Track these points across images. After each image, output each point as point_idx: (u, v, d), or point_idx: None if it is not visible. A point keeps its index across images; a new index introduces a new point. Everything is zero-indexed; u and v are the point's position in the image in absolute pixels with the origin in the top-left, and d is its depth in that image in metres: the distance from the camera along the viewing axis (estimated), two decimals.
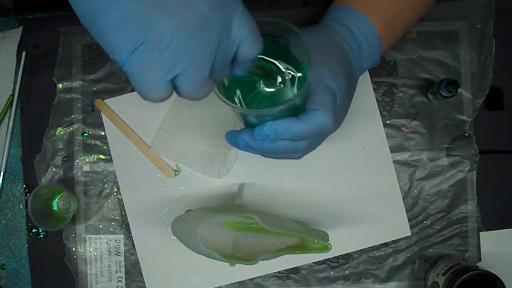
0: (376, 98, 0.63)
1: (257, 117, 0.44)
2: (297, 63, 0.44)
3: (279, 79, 0.45)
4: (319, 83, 0.45)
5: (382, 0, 0.51)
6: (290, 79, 0.45)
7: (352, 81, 0.50)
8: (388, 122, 0.63)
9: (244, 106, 0.44)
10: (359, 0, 0.51)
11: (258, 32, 0.36)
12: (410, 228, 0.62)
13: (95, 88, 0.64)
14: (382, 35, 0.51)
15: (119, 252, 0.63)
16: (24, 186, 0.64)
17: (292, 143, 0.45)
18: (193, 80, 0.33)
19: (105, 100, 0.63)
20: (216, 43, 0.33)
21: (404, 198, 0.62)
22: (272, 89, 0.45)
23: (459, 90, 0.62)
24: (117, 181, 0.63)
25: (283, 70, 0.44)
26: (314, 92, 0.44)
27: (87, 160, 0.64)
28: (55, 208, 0.64)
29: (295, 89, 0.44)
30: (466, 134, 0.63)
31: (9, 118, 0.64)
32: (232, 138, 0.48)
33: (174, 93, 0.34)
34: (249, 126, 0.47)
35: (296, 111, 0.44)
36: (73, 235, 0.63)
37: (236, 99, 0.44)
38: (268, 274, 0.62)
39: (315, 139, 0.48)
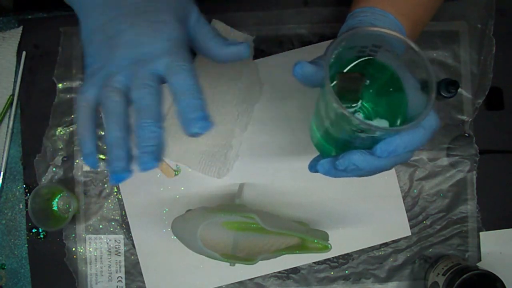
0: None
1: (380, 135, 0.39)
2: (383, 71, 0.42)
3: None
4: (411, 83, 0.41)
5: (411, 4, 0.50)
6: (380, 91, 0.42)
7: None
8: None
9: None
10: (389, 2, 0.50)
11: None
12: (410, 228, 0.62)
13: None
14: (408, 36, 0.51)
15: (119, 252, 0.63)
16: (24, 186, 0.64)
17: (407, 154, 0.41)
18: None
19: None
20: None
21: (404, 198, 0.62)
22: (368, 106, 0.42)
23: (459, 90, 0.62)
24: None
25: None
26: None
27: None
28: (55, 208, 0.64)
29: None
30: (466, 134, 0.63)
31: (9, 118, 0.64)
32: (329, 167, 0.42)
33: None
34: (347, 148, 0.41)
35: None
36: (73, 235, 0.63)
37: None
38: (268, 274, 0.62)
39: None
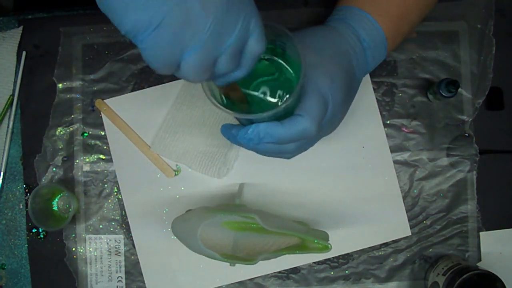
0: (376, 98, 0.63)
1: (245, 119, 0.44)
2: (295, 67, 0.44)
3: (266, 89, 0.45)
4: (312, 88, 0.44)
5: (390, 1, 0.51)
6: (285, 82, 0.44)
7: (351, 87, 0.49)
8: (388, 122, 0.63)
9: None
10: (366, 0, 0.51)
11: (264, 30, 0.36)
12: (410, 228, 0.62)
13: (95, 88, 0.64)
14: (389, 36, 0.51)
15: (119, 252, 0.63)
16: (24, 186, 0.64)
17: (278, 145, 0.45)
18: (201, 62, 0.33)
19: (105, 100, 0.63)
20: (234, 31, 0.34)
21: (404, 198, 0.62)
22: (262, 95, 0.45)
23: (459, 90, 0.62)
24: (117, 181, 0.63)
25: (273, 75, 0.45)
26: (305, 97, 0.44)
27: (87, 160, 0.64)
28: (55, 208, 0.64)
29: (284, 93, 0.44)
30: (466, 134, 0.63)
31: (9, 118, 0.64)
32: (227, 133, 0.47)
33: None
34: (242, 124, 0.47)
35: (286, 115, 0.43)
36: (73, 235, 0.63)
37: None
38: (268, 274, 0.62)
39: (304, 142, 0.47)
